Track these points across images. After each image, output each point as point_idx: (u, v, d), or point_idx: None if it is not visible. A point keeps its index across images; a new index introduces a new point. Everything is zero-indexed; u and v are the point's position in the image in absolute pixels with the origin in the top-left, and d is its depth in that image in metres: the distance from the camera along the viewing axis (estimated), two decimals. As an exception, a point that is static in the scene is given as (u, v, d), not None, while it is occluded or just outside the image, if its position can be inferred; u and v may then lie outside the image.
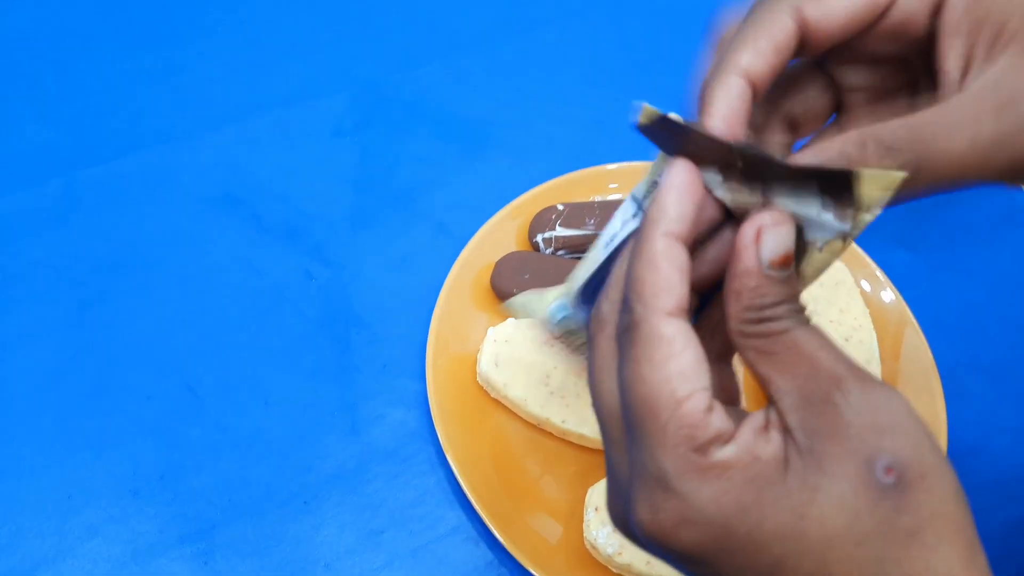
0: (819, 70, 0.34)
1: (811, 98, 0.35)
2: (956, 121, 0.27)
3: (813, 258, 0.27)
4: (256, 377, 0.52)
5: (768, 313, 0.25)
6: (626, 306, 0.26)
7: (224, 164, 0.62)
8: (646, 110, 0.28)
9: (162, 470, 0.49)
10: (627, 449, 0.26)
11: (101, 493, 0.48)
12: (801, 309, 0.26)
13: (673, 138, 0.28)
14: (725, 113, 0.29)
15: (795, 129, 0.35)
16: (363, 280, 0.57)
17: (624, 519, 0.27)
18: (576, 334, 0.35)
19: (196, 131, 0.64)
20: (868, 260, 0.56)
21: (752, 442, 0.24)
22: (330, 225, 0.59)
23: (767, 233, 0.25)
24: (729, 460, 0.24)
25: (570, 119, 0.65)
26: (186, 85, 0.67)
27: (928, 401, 0.50)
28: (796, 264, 0.26)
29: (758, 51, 0.30)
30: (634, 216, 0.30)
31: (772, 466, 0.24)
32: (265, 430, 0.50)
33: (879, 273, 0.56)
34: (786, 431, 0.24)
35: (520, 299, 0.38)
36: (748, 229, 0.26)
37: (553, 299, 0.35)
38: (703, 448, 0.24)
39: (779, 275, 0.25)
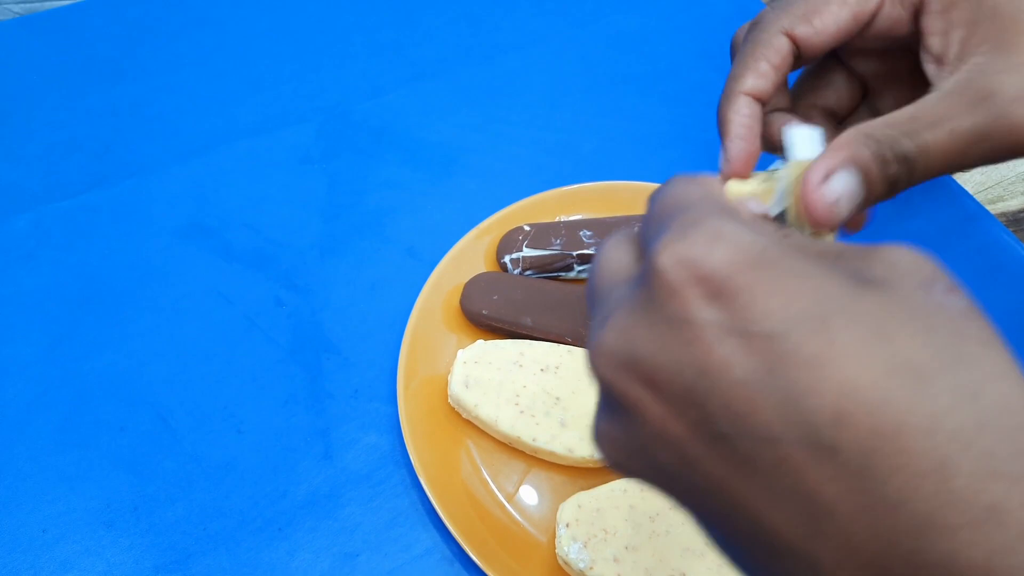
0: (839, 63, 0.39)
1: (839, 88, 0.39)
2: (935, 117, 0.31)
3: None
4: (228, 406, 0.52)
5: None
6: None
7: (192, 195, 0.63)
8: None
9: (136, 501, 0.49)
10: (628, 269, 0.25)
11: (75, 526, 0.48)
12: None
13: None
14: (741, 132, 0.34)
15: (834, 116, 0.39)
16: (333, 306, 0.57)
17: (606, 319, 0.23)
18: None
19: (164, 163, 0.64)
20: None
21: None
22: (299, 252, 0.60)
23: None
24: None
25: (534, 142, 0.66)
26: (153, 118, 0.67)
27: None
28: None
29: (759, 73, 0.34)
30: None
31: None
32: (238, 458, 0.51)
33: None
34: None
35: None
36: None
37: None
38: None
39: None
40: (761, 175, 0.32)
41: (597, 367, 0.23)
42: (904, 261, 0.21)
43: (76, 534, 0.48)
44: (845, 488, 0.19)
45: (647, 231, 0.24)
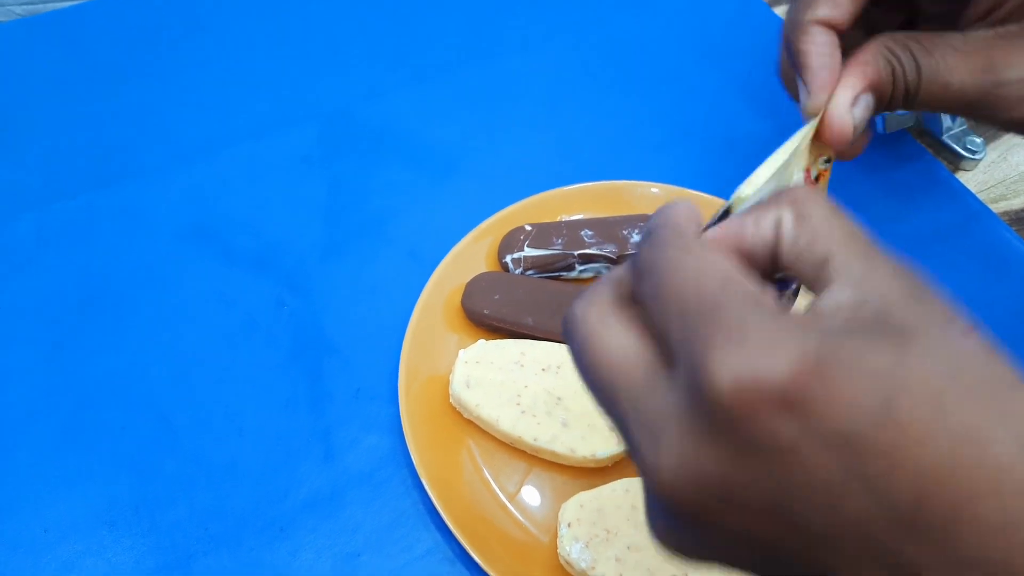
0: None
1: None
2: (951, 65, 0.34)
3: None
4: (230, 407, 0.52)
5: None
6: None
7: (194, 197, 0.63)
8: None
9: (137, 502, 0.49)
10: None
11: (77, 527, 0.48)
12: None
13: None
14: (823, 63, 0.35)
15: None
16: (335, 307, 0.57)
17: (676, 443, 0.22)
18: None
19: (165, 166, 0.64)
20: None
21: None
22: (301, 254, 0.60)
23: None
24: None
25: (535, 142, 0.66)
26: (154, 120, 0.67)
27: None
28: None
29: (834, 3, 0.35)
30: None
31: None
32: (240, 459, 0.51)
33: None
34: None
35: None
36: None
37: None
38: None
39: None
40: (753, 181, 0.32)
41: (663, 489, 0.22)
42: (927, 310, 0.22)
43: (78, 534, 0.48)
44: (930, 553, 0.20)
45: (668, 324, 0.22)
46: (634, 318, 0.24)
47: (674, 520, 0.23)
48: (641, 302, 0.24)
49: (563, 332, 0.26)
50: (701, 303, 0.21)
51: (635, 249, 0.25)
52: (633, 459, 0.23)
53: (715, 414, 0.20)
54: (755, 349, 0.20)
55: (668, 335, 0.22)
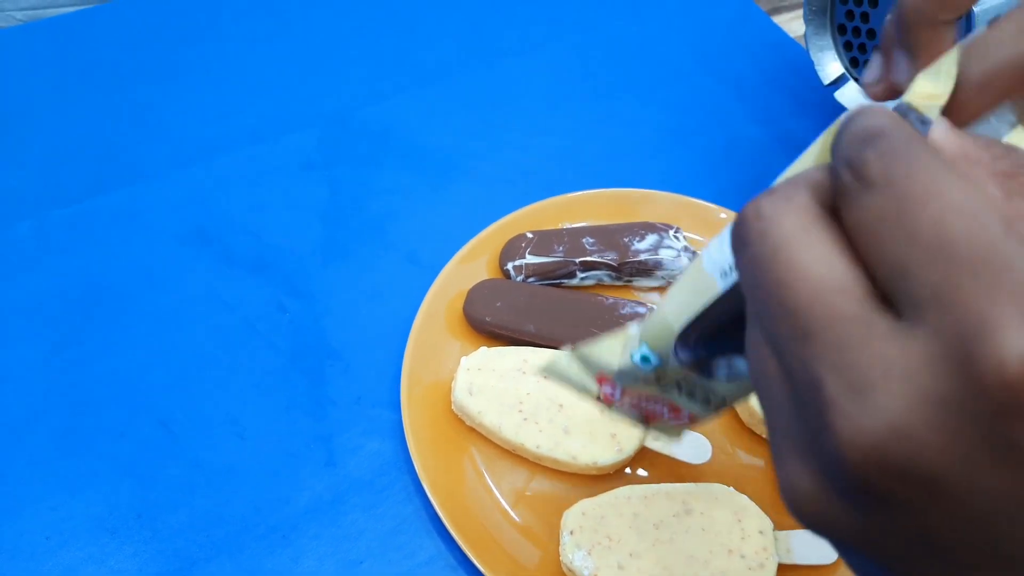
0: None
1: None
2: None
3: None
4: (231, 412, 0.52)
5: None
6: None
7: (194, 201, 0.63)
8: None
9: (139, 508, 0.49)
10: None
11: (78, 533, 0.48)
12: None
13: None
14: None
15: None
16: (336, 312, 0.57)
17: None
18: (664, 379, 0.32)
19: (165, 169, 0.64)
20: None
21: None
22: (301, 258, 0.60)
23: None
24: None
25: (535, 148, 0.66)
26: (154, 124, 0.67)
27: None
28: None
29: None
30: None
31: None
32: (241, 465, 0.50)
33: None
34: None
35: (563, 361, 0.34)
36: None
37: (628, 348, 0.31)
38: None
39: None
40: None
41: (857, 449, 0.18)
42: None
43: (79, 541, 0.48)
44: None
45: (916, 264, 0.18)
46: (840, 239, 0.19)
47: (849, 491, 0.19)
48: (858, 225, 0.19)
49: (736, 236, 0.21)
50: (979, 252, 0.17)
51: (845, 148, 0.19)
52: (813, 407, 0.19)
53: (983, 393, 0.16)
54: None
55: (908, 281, 0.18)
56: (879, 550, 0.20)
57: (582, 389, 0.34)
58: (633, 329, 0.31)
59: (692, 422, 0.34)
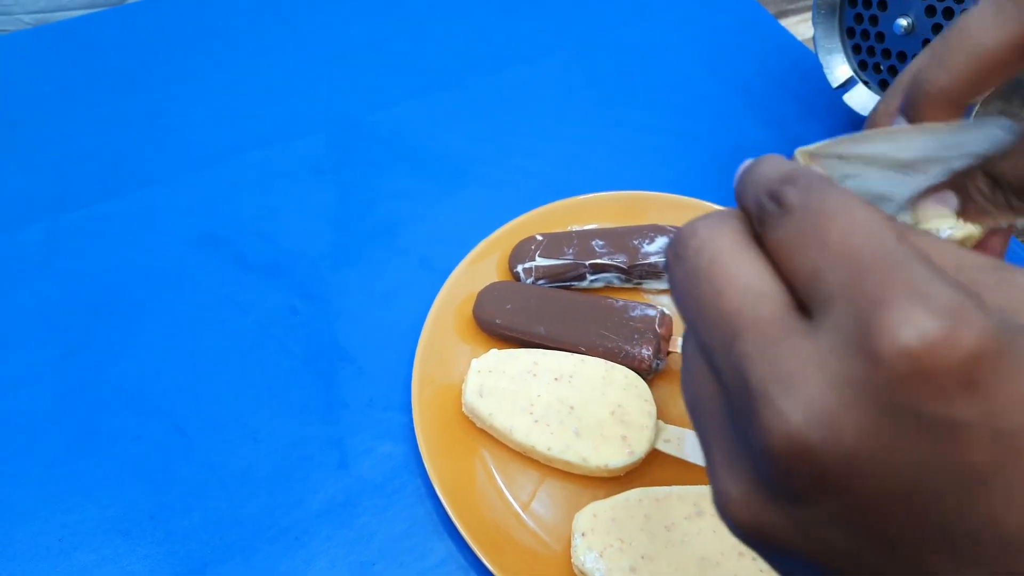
0: None
1: None
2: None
3: None
4: (244, 415, 0.53)
5: None
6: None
7: (205, 205, 0.63)
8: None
9: (152, 510, 0.49)
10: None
11: (92, 535, 0.48)
12: None
13: None
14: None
15: None
16: (347, 315, 0.57)
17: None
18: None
19: (176, 173, 0.65)
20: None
21: None
22: (312, 262, 0.60)
23: None
24: None
25: (544, 152, 0.67)
26: (165, 128, 0.68)
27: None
28: None
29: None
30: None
31: None
32: (254, 467, 0.51)
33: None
34: None
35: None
36: None
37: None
38: None
39: None
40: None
41: (785, 442, 0.19)
42: None
43: (93, 543, 0.48)
44: None
45: (824, 272, 0.20)
46: (764, 258, 0.22)
47: (777, 485, 0.20)
48: (779, 243, 0.22)
49: (672, 253, 0.23)
50: (876, 255, 0.19)
51: (765, 189, 0.23)
52: (741, 404, 0.21)
53: (881, 373, 0.18)
54: (946, 315, 0.18)
55: (819, 282, 0.20)
56: (820, 551, 0.21)
57: None
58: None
59: None
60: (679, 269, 0.23)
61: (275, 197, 0.64)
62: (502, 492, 0.49)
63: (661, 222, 0.59)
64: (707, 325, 0.22)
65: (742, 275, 0.22)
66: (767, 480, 0.21)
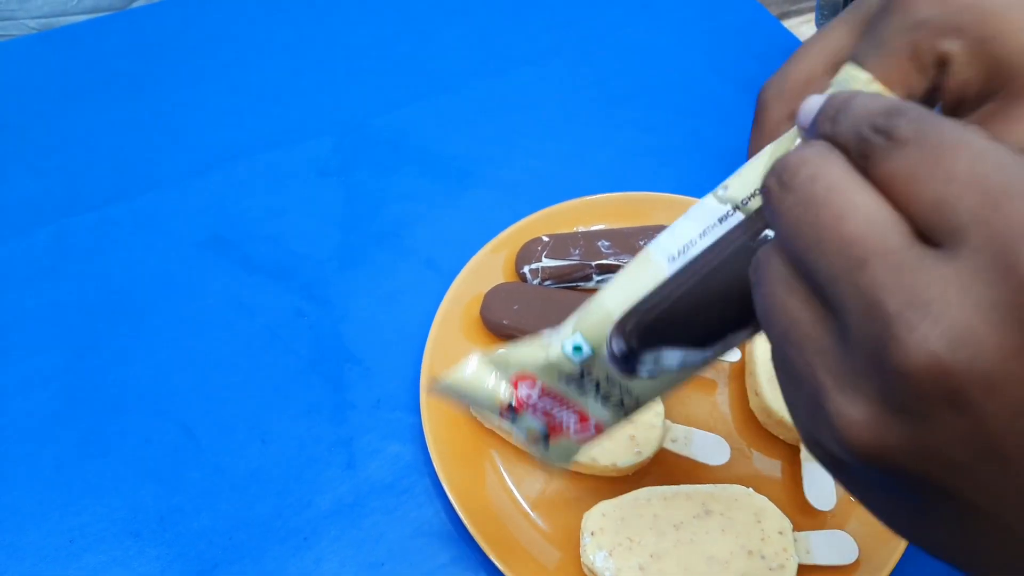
0: None
1: None
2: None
3: None
4: (252, 416, 0.53)
5: None
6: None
7: (212, 207, 0.63)
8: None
9: (162, 512, 0.49)
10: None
11: (102, 536, 0.48)
12: None
13: None
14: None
15: None
16: (354, 317, 0.58)
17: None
18: (588, 375, 0.33)
19: (184, 176, 0.65)
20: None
21: None
22: (319, 264, 0.60)
23: None
24: None
25: (549, 153, 0.67)
26: (172, 131, 0.68)
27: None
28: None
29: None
30: (722, 221, 0.28)
31: None
32: (263, 468, 0.51)
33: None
34: None
35: (470, 369, 0.35)
36: None
37: (560, 338, 0.32)
38: None
39: None
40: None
41: (921, 362, 0.20)
42: None
43: (103, 544, 0.48)
44: None
45: (958, 203, 0.20)
46: (873, 187, 0.22)
47: (911, 406, 0.21)
48: (892, 175, 0.22)
49: (776, 181, 0.23)
50: (1010, 183, 0.20)
51: (869, 123, 0.22)
52: (868, 328, 0.21)
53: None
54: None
55: (947, 212, 0.20)
56: (935, 468, 0.21)
57: (485, 400, 0.35)
58: (567, 321, 0.32)
59: (596, 434, 0.35)
60: (789, 197, 0.23)
61: (282, 199, 0.64)
62: (511, 492, 0.49)
63: (666, 223, 0.59)
64: (826, 251, 0.22)
65: (861, 203, 0.21)
66: (899, 402, 0.21)
